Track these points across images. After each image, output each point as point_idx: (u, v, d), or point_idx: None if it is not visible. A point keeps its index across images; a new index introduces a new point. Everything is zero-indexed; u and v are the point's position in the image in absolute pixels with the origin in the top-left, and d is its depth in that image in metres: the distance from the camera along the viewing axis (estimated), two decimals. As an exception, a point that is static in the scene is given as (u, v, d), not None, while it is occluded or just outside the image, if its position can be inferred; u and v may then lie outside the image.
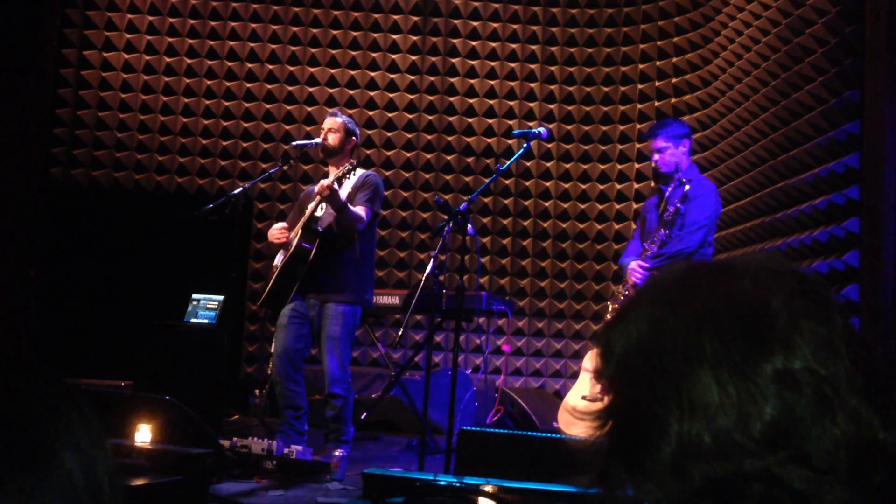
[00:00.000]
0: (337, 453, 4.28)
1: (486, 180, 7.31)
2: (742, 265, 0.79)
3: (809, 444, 0.70)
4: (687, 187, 4.45)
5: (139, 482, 3.21)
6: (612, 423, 0.78)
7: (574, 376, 6.72)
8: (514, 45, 7.53)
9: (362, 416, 5.70)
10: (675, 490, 0.72)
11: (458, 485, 3.13)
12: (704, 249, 4.56)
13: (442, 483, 3.12)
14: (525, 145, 4.55)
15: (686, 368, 0.72)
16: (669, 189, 4.55)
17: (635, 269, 4.48)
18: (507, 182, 7.43)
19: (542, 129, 4.56)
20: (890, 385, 0.75)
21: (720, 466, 0.70)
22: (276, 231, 4.81)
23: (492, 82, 7.52)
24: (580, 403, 5.56)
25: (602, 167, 7.45)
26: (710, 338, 0.73)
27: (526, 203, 7.49)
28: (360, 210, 4.68)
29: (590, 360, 5.48)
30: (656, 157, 4.60)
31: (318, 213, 4.74)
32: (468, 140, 7.50)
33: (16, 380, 0.77)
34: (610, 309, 4.86)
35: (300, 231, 4.71)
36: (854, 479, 0.70)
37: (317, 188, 4.65)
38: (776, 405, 0.70)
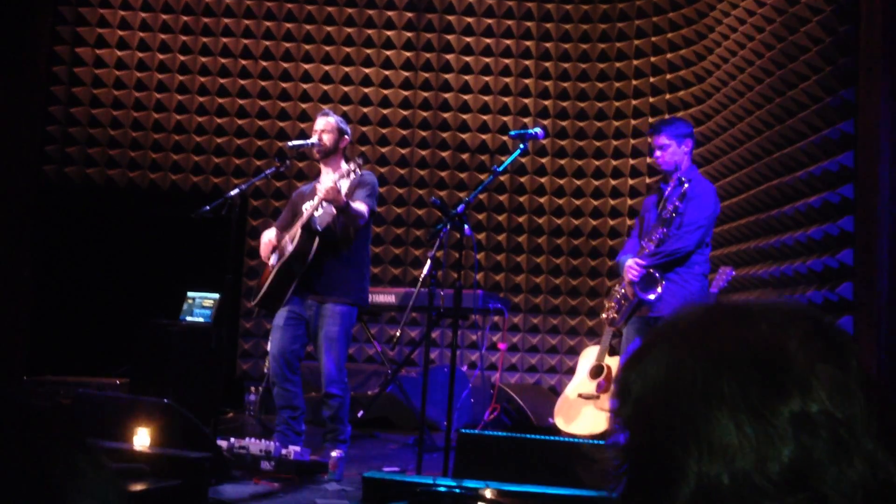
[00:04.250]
0: (334, 454, 4.29)
1: (482, 177, 7.33)
2: (759, 309, 0.80)
3: (827, 486, 0.71)
4: (686, 186, 4.41)
5: (139, 487, 3.22)
6: (629, 463, 0.79)
7: (570, 372, 6.75)
8: (508, 41, 7.52)
9: (359, 414, 5.71)
10: None
11: (457, 490, 3.14)
12: (702, 249, 4.55)
13: (442, 489, 3.14)
14: (521, 145, 4.54)
15: (705, 410, 0.73)
16: (669, 188, 4.54)
17: (632, 266, 4.46)
18: (502, 178, 7.43)
19: (538, 130, 4.56)
20: None
21: None
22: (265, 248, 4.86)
23: (487, 78, 7.52)
24: (577, 401, 5.60)
25: (597, 163, 7.46)
26: (729, 381, 0.74)
27: (521, 199, 7.50)
28: (361, 206, 4.68)
29: (586, 357, 5.51)
30: (658, 153, 4.59)
31: (317, 213, 4.74)
32: (463, 136, 7.50)
33: (31, 432, 0.78)
34: (606, 307, 4.85)
35: (299, 231, 4.71)
36: None
37: (318, 187, 4.63)
38: (794, 448, 0.71)
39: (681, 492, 0.73)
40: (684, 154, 4.57)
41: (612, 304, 4.71)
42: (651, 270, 4.41)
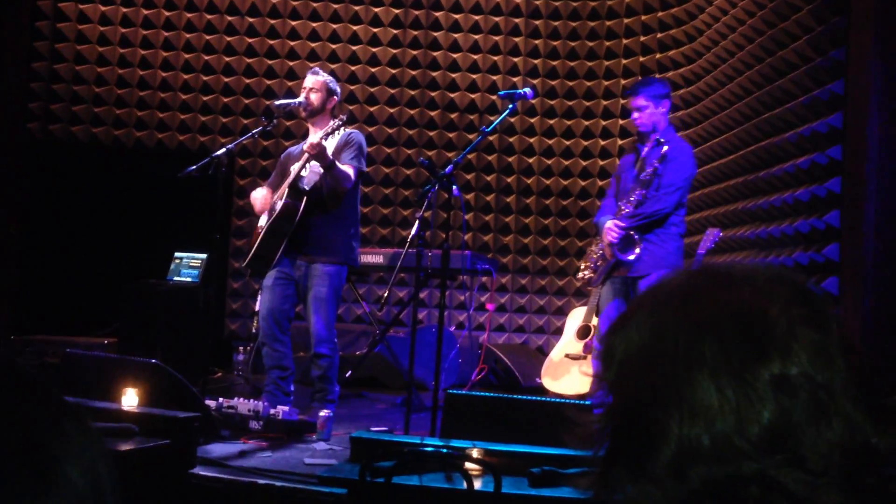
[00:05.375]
0: (323, 413, 4.31)
1: (471, 137, 7.29)
2: (741, 274, 0.81)
3: (805, 447, 0.72)
4: (665, 148, 4.44)
5: (127, 447, 3.22)
6: (613, 425, 0.80)
7: (557, 332, 6.79)
8: (498, -1, 7.44)
9: (347, 374, 5.73)
10: (674, 492, 0.74)
11: (444, 450, 3.17)
12: (678, 210, 4.59)
13: (429, 449, 3.16)
14: (511, 106, 4.51)
15: (686, 373, 0.74)
16: (646, 148, 4.56)
17: (612, 228, 4.49)
18: (490, 138, 7.39)
19: (527, 90, 4.52)
20: (882, 392, 0.77)
21: (719, 469, 0.72)
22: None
23: (476, 37, 7.45)
24: (564, 361, 5.64)
25: (586, 123, 7.43)
26: (711, 344, 0.75)
27: (509, 159, 7.47)
28: (347, 168, 4.65)
29: (573, 318, 5.53)
30: (636, 115, 4.60)
31: (304, 172, 4.71)
32: (452, 95, 7.45)
33: (18, 398, 0.78)
34: (582, 267, 4.88)
35: (287, 190, 4.69)
36: (847, 481, 0.73)
37: (304, 146, 4.61)
38: (773, 409, 0.72)
39: (662, 453, 0.74)
40: (661, 115, 4.58)
41: (588, 264, 4.77)
42: (630, 232, 4.43)
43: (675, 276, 0.84)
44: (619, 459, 0.78)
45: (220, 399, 4.30)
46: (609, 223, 4.50)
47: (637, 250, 4.43)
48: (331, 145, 4.74)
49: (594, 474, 0.81)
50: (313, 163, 4.62)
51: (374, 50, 7.41)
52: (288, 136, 7.22)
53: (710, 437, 0.72)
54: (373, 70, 7.41)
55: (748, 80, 5.58)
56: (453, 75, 7.44)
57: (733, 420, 0.72)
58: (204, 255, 6.08)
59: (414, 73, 7.43)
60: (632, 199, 4.48)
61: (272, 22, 7.35)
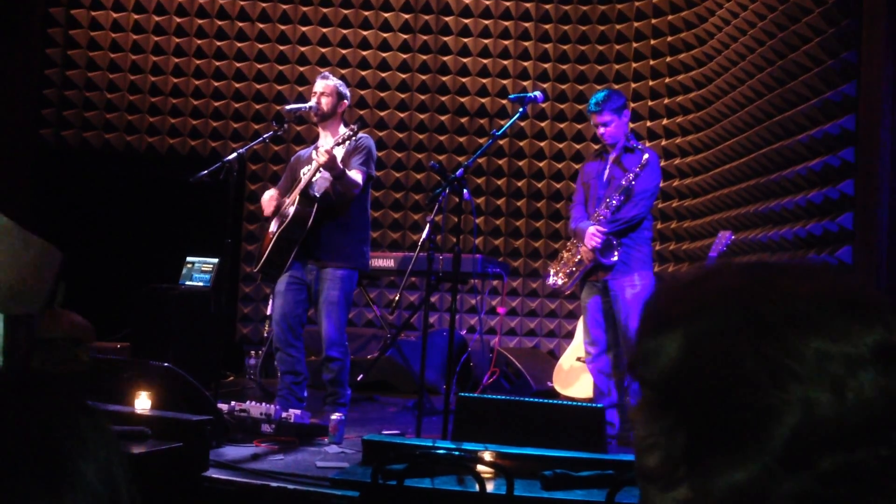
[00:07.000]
0: (334, 417, 4.31)
1: (481, 140, 7.30)
2: (803, 266, 0.78)
3: None
4: (647, 156, 4.59)
5: (140, 450, 3.24)
6: (685, 427, 0.73)
7: (568, 336, 6.78)
8: (508, 3, 7.45)
9: (359, 378, 5.74)
10: (789, 483, 0.69)
11: (456, 453, 3.17)
12: (649, 216, 4.73)
13: (441, 451, 3.16)
14: (521, 109, 4.53)
15: (786, 353, 0.70)
16: (613, 156, 4.67)
17: (594, 234, 4.58)
18: (501, 143, 7.39)
19: (537, 94, 4.55)
20: None
21: (838, 452, 0.69)
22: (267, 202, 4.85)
23: (486, 41, 7.45)
24: (575, 365, 5.63)
25: (596, 127, 7.42)
26: (810, 310, 0.72)
27: (520, 163, 7.47)
28: (356, 175, 4.67)
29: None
30: (602, 130, 4.69)
31: (315, 179, 4.73)
32: (462, 100, 7.45)
33: (36, 398, 0.78)
34: (553, 272, 4.90)
35: (297, 197, 4.71)
36: None
37: (315, 154, 4.64)
38: (883, 383, 0.70)
39: (772, 440, 0.69)
40: (624, 124, 4.71)
41: (562, 269, 4.81)
42: (609, 236, 4.57)
43: (723, 272, 0.78)
44: (709, 451, 0.72)
45: (233, 402, 4.32)
46: (591, 228, 4.60)
47: (616, 254, 4.57)
48: (340, 151, 4.76)
49: (656, 483, 0.75)
50: (324, 169, 4.64)
51: (384, 55, 7.43)
52: (299, 141, 7.24)
53: (822, 418, 0.68)
54: (383, 75, 7.43)
55: (759, 82, 5.57)
56: (463, 79, 7.45)
57: (843, 400, 0.69)
58: (215, 260, 6.10)
59: (424, 77, 7.44)
60: (610, 205, 4.59)
61: (283, 27, 7.38)
